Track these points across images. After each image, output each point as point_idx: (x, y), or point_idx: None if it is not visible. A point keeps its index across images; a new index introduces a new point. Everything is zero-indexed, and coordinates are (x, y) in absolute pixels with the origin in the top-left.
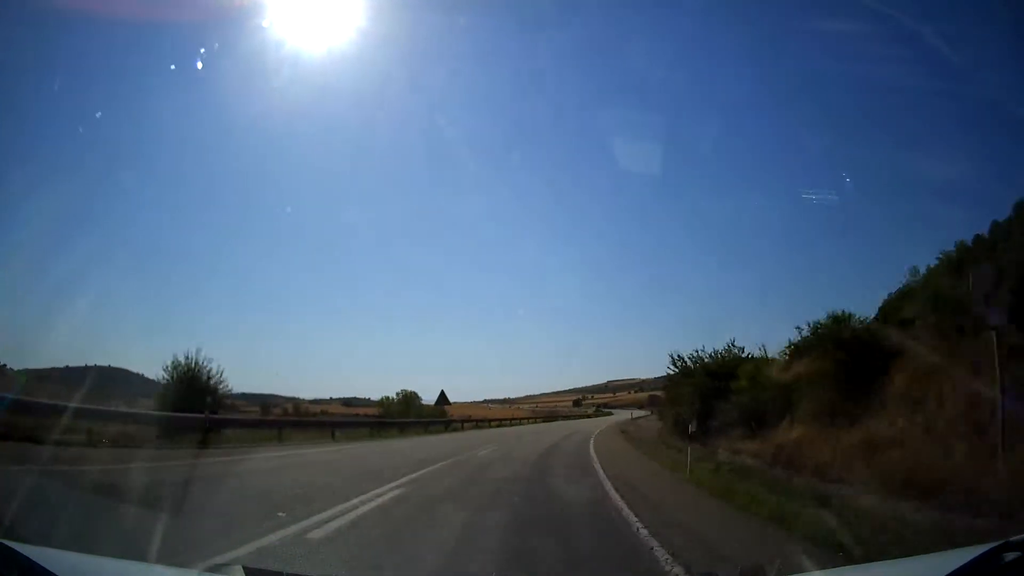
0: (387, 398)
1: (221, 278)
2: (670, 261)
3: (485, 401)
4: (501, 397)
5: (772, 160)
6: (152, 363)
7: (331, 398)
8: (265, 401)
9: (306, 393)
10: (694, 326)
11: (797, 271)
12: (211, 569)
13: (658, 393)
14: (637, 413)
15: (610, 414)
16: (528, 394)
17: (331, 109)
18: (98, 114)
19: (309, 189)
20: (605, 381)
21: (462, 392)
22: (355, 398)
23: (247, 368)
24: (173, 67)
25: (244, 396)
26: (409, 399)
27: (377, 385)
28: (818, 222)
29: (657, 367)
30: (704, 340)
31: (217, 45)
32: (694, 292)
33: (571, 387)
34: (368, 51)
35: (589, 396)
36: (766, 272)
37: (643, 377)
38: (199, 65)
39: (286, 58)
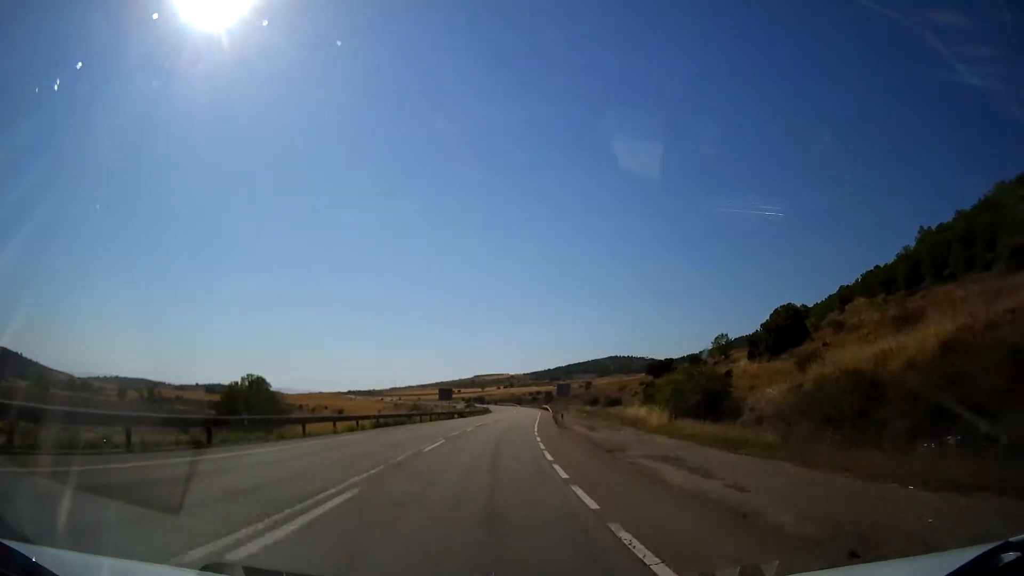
0: (235, 384)
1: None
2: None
3: (349, 392)
4: (366, 388)
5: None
6: None
7: (197, 383)
8: (125, 385)
9: (174, 378)
10: (573, 328)
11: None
12: (211, 569)
13: (565, 382)
14: (527, 410)
15: (487, 411)
16: (394, 386)
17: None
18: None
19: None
20: (472, 376)
21: (325, 382)
22: (220, 384)
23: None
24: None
25: (117, 379)
26: (256, 385)
27: (242, 369)
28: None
29: (525, 365)
30: (582, 344)
31: None
32: (567, 294)
33: (437, 380)
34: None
35: (457, 390)
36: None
37: (511, 373)
38: None
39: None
